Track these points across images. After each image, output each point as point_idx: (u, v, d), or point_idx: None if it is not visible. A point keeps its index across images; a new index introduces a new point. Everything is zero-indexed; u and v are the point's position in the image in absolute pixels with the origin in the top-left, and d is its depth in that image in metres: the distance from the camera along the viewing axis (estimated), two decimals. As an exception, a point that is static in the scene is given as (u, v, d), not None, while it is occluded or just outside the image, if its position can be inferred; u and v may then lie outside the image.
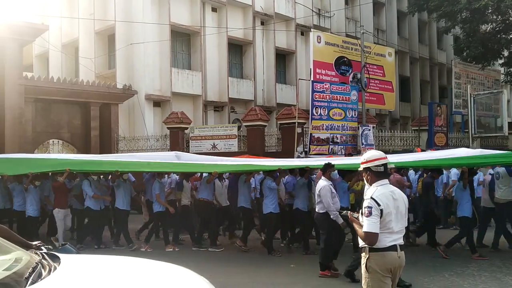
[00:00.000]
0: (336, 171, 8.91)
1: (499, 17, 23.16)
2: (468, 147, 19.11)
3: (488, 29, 23.93)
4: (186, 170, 10.44)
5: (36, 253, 3.31)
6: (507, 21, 23.19)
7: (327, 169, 7.83)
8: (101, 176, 10.81)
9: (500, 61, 25.86)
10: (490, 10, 22.54)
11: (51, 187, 10.69)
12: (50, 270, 2.90)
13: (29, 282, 2.61)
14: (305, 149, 16.32)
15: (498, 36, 23.68)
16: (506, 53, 24.95)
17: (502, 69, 27.45)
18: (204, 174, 10.56)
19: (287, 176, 10.55)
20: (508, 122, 22.34)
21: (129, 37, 19.86)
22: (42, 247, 3.68)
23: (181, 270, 3.41)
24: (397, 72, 27.38)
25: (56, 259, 3.19)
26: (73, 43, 22.76)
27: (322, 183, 7.55)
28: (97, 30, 21.44)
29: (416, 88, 31.98)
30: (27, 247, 3.65)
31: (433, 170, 9.90)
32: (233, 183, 11.11)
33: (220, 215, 10.95)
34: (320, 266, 7.54)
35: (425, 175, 10.73)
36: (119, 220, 10.57)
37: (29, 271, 2.75)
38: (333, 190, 7.66)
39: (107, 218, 10.81)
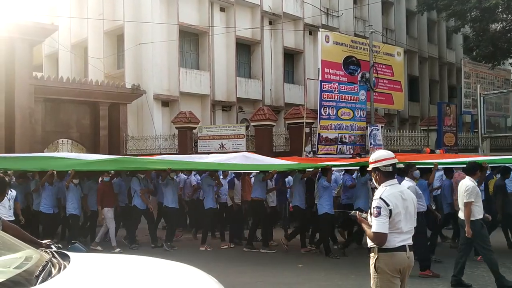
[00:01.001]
0: (418, 171, 8.83)
1: (510, 16, 22.97)
2: (477, 147, 19.00)
3: (498, 28, 23.72)
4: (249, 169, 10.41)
5: (46, 252, 3.34)
6: (518, 20, 23.01)
7: (408, 170, 7.83)
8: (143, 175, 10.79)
9: (510, 60, 25.63)
10: (500, 9, 22.34)
11: (92, 187, 10.66)
12: (60, 269, 2.92)
13: (39, 280, 2.63)
14: (313, 149, 16.28)
15: (508, 35, 23.48)
16: (516, 52, 24.74)
17: (512, 69, 27.24)
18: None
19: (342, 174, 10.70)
20: (518, 122, 22.15)
21: (138, 37, 19.93)
22: (52, 246, 3.71)
23: (190, 269, 3.42)
24: (406, 71, 27.21)
25: (66, 257, 3.21)
26: (82, 43, 22.88)
27: (407, 184, 7.29)
28: (106, 30, 21.54)
29: (425, 88, 31.78)
30: (38, 245, 3.69)
31: (503, 171, 9.62)
32: (279, 182, 11.13)
33: (272, 215, 10.85)
34: (420, 266, 7.37)
35: (494, 177, 10.45)
36: (169, 218, 10.56)
37: (39, 269, 2.78)
38: (419, 191, 7.69)
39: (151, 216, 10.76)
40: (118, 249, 9.77)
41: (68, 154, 12.04)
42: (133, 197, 10.36)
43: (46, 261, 2.98)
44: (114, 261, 3.47)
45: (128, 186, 10.83)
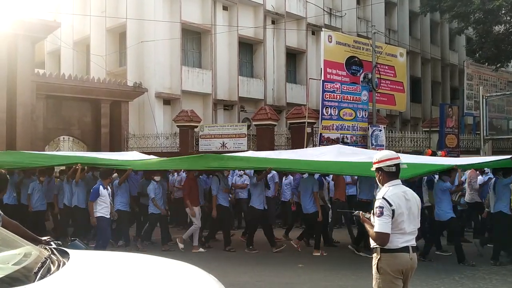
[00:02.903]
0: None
1: (513, 18, 22.90)
2: (479, 149, 18.93)
3: (502, 30, 23.64)
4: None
5: (46, 248, 3.31)
6: (521, 22, 22.94)
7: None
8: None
9: (513, 63, 25.57)
10: (503, 11, 22.27)
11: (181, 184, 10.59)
12: (59, 266, 2.89)
13: (38, 277, 2.61)
14: (315, 149, 16.24)
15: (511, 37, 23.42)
16: (519, 54, 24.66)
17: (515, 71, 27.15)
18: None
19: None
20: (521, 124, 22.07)
21: (140, 35, 19.91)
22: (52, 242, 3.69)
23: (190, 268, 3.39)
24: (409, 72, 27.16)
25: (65, 254, 3.19)
26: (85, 40, 22.88)
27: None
28: (108, 28, 21.53)
29: (428, 89, 31.72)
30: (37, 242, 3.66)
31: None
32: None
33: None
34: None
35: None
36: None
37: (38, 266, 2.75)
38: None
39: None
40: (202, 249, 9.77)
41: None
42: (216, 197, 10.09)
43: (45, 258, 2.96)
44: (113, 259, 3.44)
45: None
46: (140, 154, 11.82)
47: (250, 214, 10.33)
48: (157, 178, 9.92)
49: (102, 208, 8.50)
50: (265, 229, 9.96)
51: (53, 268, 2.82)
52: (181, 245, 9.80)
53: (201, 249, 9.81)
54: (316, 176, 10.05)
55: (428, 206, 9.73)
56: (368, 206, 9.05)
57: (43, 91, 16.19)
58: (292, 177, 12.28)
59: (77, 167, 9.70)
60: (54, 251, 3.22)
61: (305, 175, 10.21)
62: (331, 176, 11.03)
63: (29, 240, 3.47)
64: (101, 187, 8.53)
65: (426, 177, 9.99)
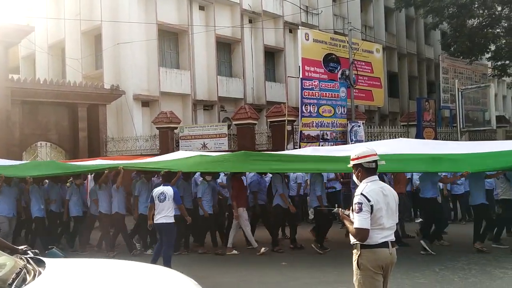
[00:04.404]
0: None
1: (486, 11, 23.30)
2: (457, 140, 19.25)
3: (475, 23, 24.06)
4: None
5: (21, 258, 3.25)
6: (493, 16, 23.34)
7: None
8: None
9: (487, 55, 26.04)
10: (476, 5, 22.67)
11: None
12: (35, 275, 2.84)
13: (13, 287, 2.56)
14: (296, 147, 16.29)
15: (485, 30, 23.84)
16: (492, 47, 25.12)
17: (489, 63, 27.64)
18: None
19: None
20: (496, 116, 22.50)
21: (116, 37, 19.68)
22: (28, 252, 3.62)
23: (168, 271, 3.37)
24: (385, 68, 27.46)
25: (41, 263, 3.14)
26: (60, 44, 22.53)
27: None
28: (83, 30, 21.23)
29: (405, 84, 32.11)
30: (14, 252, 3.59)
31: None
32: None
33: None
34: None
35: None
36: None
37: (12, 276, 2.70)
38: None
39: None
40: (264, 248, 9.26)
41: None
42: (274, 197, 9.82)
43: (20, 268, 2.90)
44: (90, 266, 3.40)
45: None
46: (185, 152, 11.33)
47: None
48: (208, 178, 9.75)
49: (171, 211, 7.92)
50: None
51: (28, 278, 2.77)
52: (263, 249, 9.34)
53: (234, 251, 9.46)
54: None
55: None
56: (433, 204, 9.12)
57: (19, 97, 15.88)
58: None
59: (119, 169, 9.36)
60: (30, 260, 3.17)
61: None
62: None
63: (4, 250, 3.40)
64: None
65: None
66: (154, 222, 7.85)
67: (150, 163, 9.93)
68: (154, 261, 7.76)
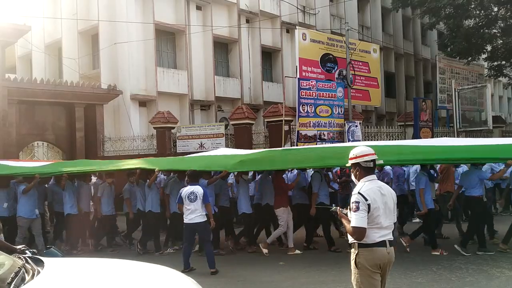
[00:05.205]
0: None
1: (482, 12, 23.36)
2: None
3: (472, 24, 24.12)
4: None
5: (20, 257, 3.25)
6: (490, 16, 23.40)
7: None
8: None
9: (484, 56, 26.11)
10: (473, 5, 22.72)
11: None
12: (33, 275, 2.84)
13: (12, 287, 2.56)
14: (293, 147, 16.32)
15: (482, 31, 23.88)
16: (489, 47, 25.18)
17: (485, 64, 27.72)
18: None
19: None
20: (492, 116, 22.55)
21: (113, 37, 19.66)
22: (27, 251, 3.62)
23: (168, 271, 3.37)
24: (382, 68, 27.50)
25: (40, 263, 3.13)
26: (56, 43, 22.48)
27: None
28: (80, 30, 21.19)
29: (401, 84, 32.18)
30: (12, 251, 3.59)
31: None
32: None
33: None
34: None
35: None
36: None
37: (11, 276, 2.70)
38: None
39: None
40: (298, 251, 9.11)
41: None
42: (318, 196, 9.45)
43: (19, 267, 2.90)
44: (89, 265, 3.40)
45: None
46: (227, 149, 11.21)
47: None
48: (245, 177, 9.71)
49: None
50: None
51: (27, 278, 2.77)
52: (265, 250, 9.19)
53: (297, 251, 9.11)
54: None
55: None
56: (480, 202, 8.85)
57: (15, 96, 15.86)
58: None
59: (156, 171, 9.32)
60: (29, 260, 3.17)
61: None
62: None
63: (2, 250, 3.40)
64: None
65: None
66: (187, 222, 7.82)
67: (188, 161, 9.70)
68: (186, 263, 7.88)
